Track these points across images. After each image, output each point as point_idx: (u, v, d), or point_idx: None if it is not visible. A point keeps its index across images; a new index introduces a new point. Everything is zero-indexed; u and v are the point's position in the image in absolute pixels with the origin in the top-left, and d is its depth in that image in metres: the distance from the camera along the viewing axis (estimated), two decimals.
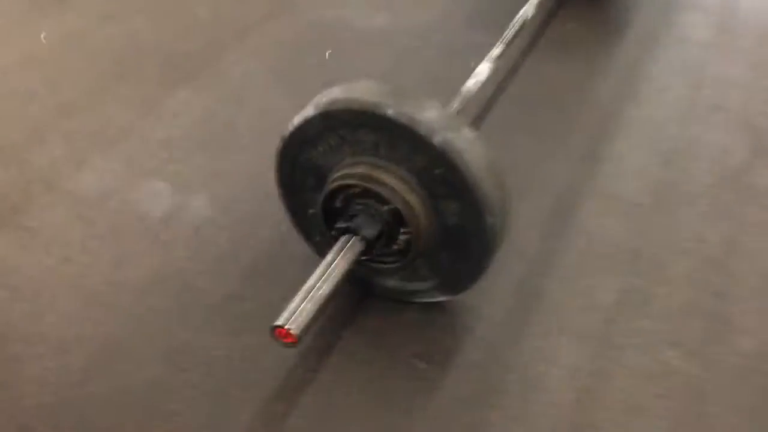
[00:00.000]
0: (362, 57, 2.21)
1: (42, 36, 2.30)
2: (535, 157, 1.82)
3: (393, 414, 1.32)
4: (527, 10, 1.97)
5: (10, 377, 1.39)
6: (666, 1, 2.47)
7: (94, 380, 1.38)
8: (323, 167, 1.37)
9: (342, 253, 1.28)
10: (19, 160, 1.86)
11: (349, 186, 1.32)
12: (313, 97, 1.31)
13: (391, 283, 1.48)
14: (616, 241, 1.62)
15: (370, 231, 1.30)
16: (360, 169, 1.31)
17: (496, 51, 1.82)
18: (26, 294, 1.54)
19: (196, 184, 1.77)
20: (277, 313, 1.19)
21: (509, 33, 1.90)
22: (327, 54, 2.21)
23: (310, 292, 1.21)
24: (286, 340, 1.16)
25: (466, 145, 1.24)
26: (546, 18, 2.33)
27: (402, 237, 1.34)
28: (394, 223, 1.32)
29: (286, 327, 1.15)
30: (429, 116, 1.24)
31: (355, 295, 1.51)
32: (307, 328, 1.18)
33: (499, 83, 2.04)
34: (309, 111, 1.31)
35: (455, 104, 1.59)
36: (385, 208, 1.31)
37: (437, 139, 1.22)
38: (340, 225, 1.32)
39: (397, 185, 1.28)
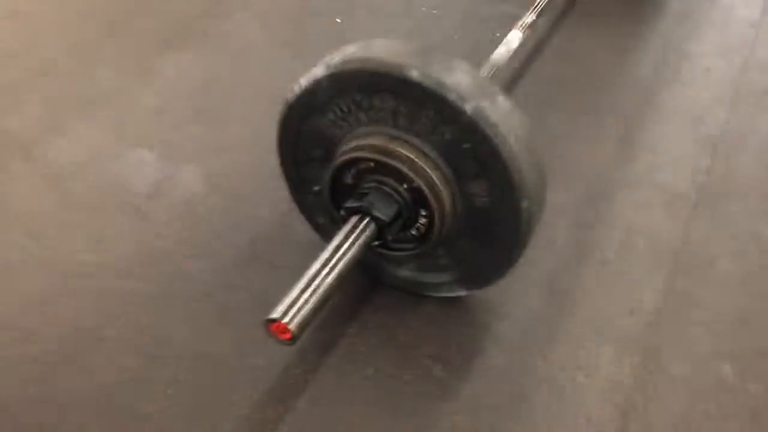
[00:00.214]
0: (376, 25, 2.02)
1: None
2: (566, 138, 1.64)
3: (402, 425, 1.15)
4: None
5: None
6: None
7: (59, 374, 1.21)
8: (332, 138, 1.18)
9: (351, 237, 1.10)
10: None
11: (361, 159, 1.13)
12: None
13: (405, 273, 1.29)
14: (659, 235, 1.44)
15: (385, 212, 1.12)
16: (375, 141, 1.12)
17: (527, 19, 1.63)
18: None
19: (188, 156, 1.59)
20: (273, 305, 1.01)
21: (541, 2, 1.71)
22: (337, 21, 2.02)
23: (312, 282, 1.03)
24: (281, 337, 0.98)
25: (502, 115, 1.05)
26: None
27: (421, 220, 1.15)
28: (413, 204, 1.13)
29: (282, 321, 0.96)
30: (459, 81, 1.05)
31: (362, 285, 1.33)
32: (306, 324, 0.99)
33: (528, 56, 1.85)
34: (318, 71, 1.12)
35: (484, 72, 1.40)
36: (404, 186, 1.12)
37: (468, 108, 1.03)
38: (351, 204, 1.13)
39: (419, 160, 1.10)
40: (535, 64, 1.85)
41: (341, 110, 1.15)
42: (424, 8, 2.09)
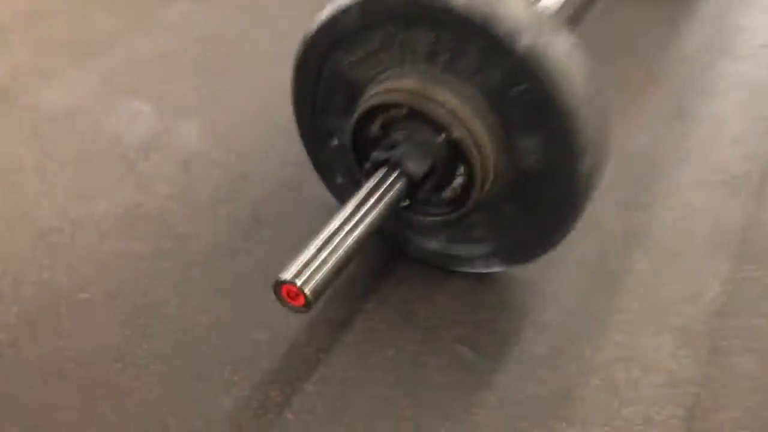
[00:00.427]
0: None
1: None
2: (613, 111, 1.45)
3: (426, 415, 0.98)
4: None
5: None
6: None
7: (30, 342, 1.05)
8: (358, 82, 1.02)
9: (377, 192, 0.93)
10: None
11: (392, 105, 0.96)
12: None
13: (433, 244, 1.12)
14: (720, 216, 1.27)
15: (418, 166, 0.95)
16: (409, 83, 0.95)
17: None
18: None
19: (189, 109, 1.42)
20: (279, 272, 0.84)
21: None
22: None
23: (330, 240, 0.86)
24: (293, 303, 0.81)
25: (563, 54, 0.89)
26: None
27: (458, 180, 0.98)
28: (450, 159, 0.96)
29: (296, 284, 0.79)
30: (513, 11, 0.89)
31: (382, 255, 1.15)
32: (322, 289, 0.83)
33: (568, 18, 1.67)
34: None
35: None
36: (440, 137, 0.95)
37: (523, 44, 0.86)
38: (377, 155, 0.96)
39: (459, 107, 0.93)
40: (573, 29, 1.68)
41: (370, 47, 0.98)
42: None
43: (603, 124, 0.93)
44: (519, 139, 0.95)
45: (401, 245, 1.16)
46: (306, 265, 0.82)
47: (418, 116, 0.96)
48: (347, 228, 0.87)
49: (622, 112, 1.48)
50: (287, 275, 0.80)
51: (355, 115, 0.99)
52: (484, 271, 1.12)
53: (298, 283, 0.80)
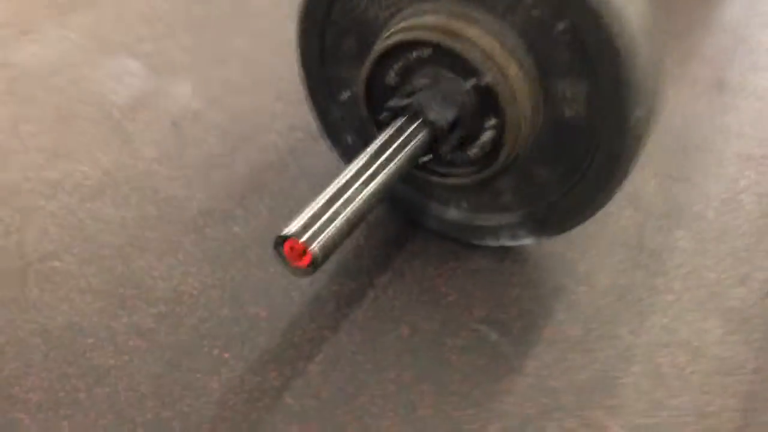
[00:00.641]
0: None
1: None
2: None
3: (446, 405, 0.85)
4: None
5: None
6: None
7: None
8: (373, 21, 0.89)
9: (396, 143, 0.80)
10: None
11: (412, 44, 0.83)
12: None
13: (454, 213, 1.00)
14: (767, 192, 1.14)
15: (442, 114, 0.82)
16: (434, 18, 0.82)
17: None
18: None
19: (183, 68, 1.29)
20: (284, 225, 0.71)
21: None
22: None
23: (341, 194, 0.73)
24: (297, 263, 0.68)
25: None
26: None
27: (486, 134, 0.85)
28: (479, 108, 0.83)
29: (301, 240, 0.66)
30: None
31: (396, 226, 1.03)
32: (331, 248, 0.70)
33: None
34: None
35: None
36: (468, 83, 0.82)
37: None
38: (396, 103, 0.83)
39: (492, 47, 0.80)
40: None
41: None
42: None
43: (659, 69, 0.80)
44: (559, 86, 0.82)
45: (417, 216, 1.03)
46: (314, 218, 0.69)
47: (443, 58, 0.83)
48: (362, 179, 0.74)
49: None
50: (291, 229, 0.68)
51: (370, 58, 0.86)
52: (510, 244, 0.99)
53: (304, 238, 0.67)
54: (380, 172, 0.77)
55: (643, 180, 1.14)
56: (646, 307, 0.97)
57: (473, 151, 0.88)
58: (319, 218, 0.70)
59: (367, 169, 0.76)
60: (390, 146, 0.79)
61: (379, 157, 0.78)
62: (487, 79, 0.81)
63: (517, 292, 0.98)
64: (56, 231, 1.01)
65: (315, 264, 0.68)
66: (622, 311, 0.96)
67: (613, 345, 0.92)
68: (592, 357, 0.91)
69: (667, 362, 0.91)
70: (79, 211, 1.03)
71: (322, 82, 0.99)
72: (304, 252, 0.67)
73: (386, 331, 0.91)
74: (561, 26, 0.78)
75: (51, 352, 0.87)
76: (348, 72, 0.95)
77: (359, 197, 0.73)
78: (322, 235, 0.69)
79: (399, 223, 1.05)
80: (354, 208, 0.72)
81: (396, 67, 0.87)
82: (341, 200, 0.72)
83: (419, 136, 0.82)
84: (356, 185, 0.74)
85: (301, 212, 0.70)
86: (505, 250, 1.01)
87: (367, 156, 0.77)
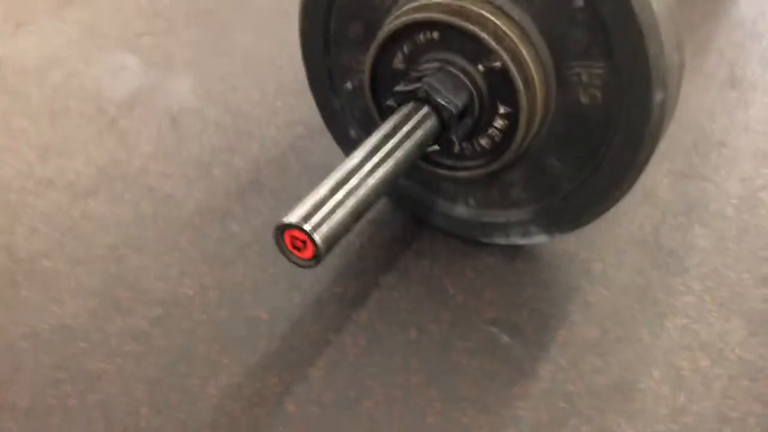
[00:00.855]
0: None
1: None
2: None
3: (456, 411, 0.81)
4: None
5: None
6: None
7: None
8: (378, 5, 0.85)
9: (403, 129, 0.76)
10: None
11: (421, 25, 0.79)
12: None
13: (462, 210, 0.95)
14: None
15: (452, 99, 0.77)
16: None
17: None
18: None
19: (182, 63, 1.26)
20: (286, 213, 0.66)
21: None
22: None
23: (346, 181, 0.69)
24: (300, 254, 0.63)
25: None
26: None
27: (498, 122, 0.81)
28: (490, 93, 0.79)
29: (304, 229, 0.61)
30: None
31: (402, 224, 0.98)
32: (335, 238, 0.65)
33: None
34: None
35: None
36: (478, 67, 0.78)
37: None
38: (403, 87, 0.79)
39: (503, 28, 0.76)
40: None
41: None
42: None
43: (679, 50, 0.76)
44: (575, 70, 0.78)
45: (423, 213, 0.98)
46: (317, 207, 0.65)
47: (452, 40, 0.79)
48: (367, 166, 0.70)
49: None
50: (293, 218, 0.63)
51: (376, 42, 0.82)
52: (521, 242, 0.95)
53: (307, 227, 0.62)
54: (386, 160, 0.72)
55: (657, 177, 1.09)
56: (666, 308, 0.93)
57: (483, 140, 0.84)
58: (323, 206, 0.65)
59: (373, 157, 0.72)
60: (397, 133, 0.75)
61: (386, 143, 0.74)
62: (499, 61, 0.77)
63: (529, 292, 0.93)
64: (47, 230, 0.96)
65: (318, 256, 0.63)
66: (640, 312, 0.92)
67: (631, 347, 0.88)
68: (610, 360, 0.86)
69: (688, 365, 0.86)
70: (71, 210, 0.99)
71: (325, 72, 0.95)
72: (307, 242, 0.63)
73: (392, 334, 0.87)
74: (578, 3, 0.74)
75: (40, 356, 0.83)
76: (353, 59, 0.91)
77: (365, 185, 0.69)
78: (325, 225, 0.64)
79: (404, 221, 1.01)
80: (359, 198, 0.68)
81: (403, 50, 0.83)
82: (345, 189, 0.68)
83: (428, 123, 0.78)
84: (362, 173, 0.69)
85: (304, 200, 0.66)
86: (516, 249, 0.97)
87: (373, 143, 0.73)
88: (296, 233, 0.63)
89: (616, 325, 0.90)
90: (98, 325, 0.86)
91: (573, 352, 0.87)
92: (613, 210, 0.88)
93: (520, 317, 0.90)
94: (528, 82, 0.77)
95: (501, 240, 0.95)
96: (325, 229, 0.63)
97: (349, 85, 0.93)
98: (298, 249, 0.64)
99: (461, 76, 0.79)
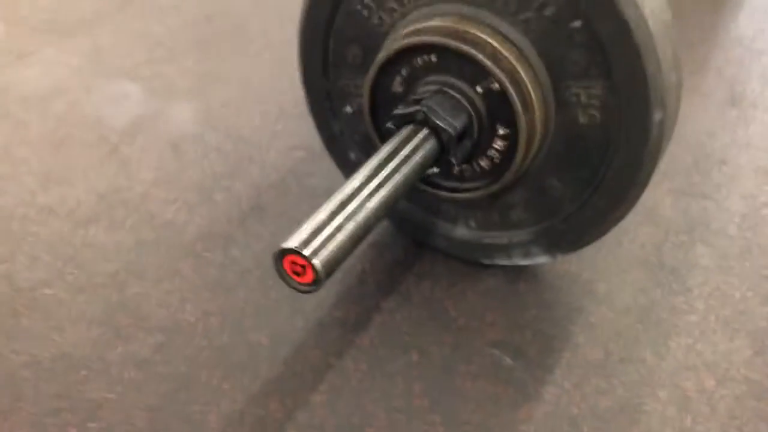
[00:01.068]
0: None
1: None
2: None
3: None
4: None
5: None
6: None
7: None
8: (376, 28, 0.85)
9: (403, 152, 0.76)
10: None
11: (419, 48, 0.79)
12: None
13: (463, 231, 0.95)
14: None
15: (450, 121, 0.77)
16: (440, 21, 0.79)
17: None
18: None
19: (183, 90, 1.27)
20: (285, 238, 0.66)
21: None
22: None
23: (346, 205, 0.69)
24: (299, 279, 0.63)
25: None
26: None
27: (497, 143, 0.81)
28: (489, 115, 0.79)
29: (304, 254, 0.61)
30: None
31: (402, 247, 0.98)
32: (335, 263, 0.65)
33: None
34: None
35: None
36: (477, 89, 0.78)
37: None
38: (402, 110, 0.79)
39: (500, 48, 0.76)
40: None
41: None
42: None
43: (678, 68, 0.76)
44: (573, 89, 0.78)
45: (423, 235, 0.98)
46: (316, 231, 0.64)
47: (450, 63, 0.79)
48: (367, 190, 0.70)
49: None
50: (293, 243, 0.63)
51: (375, 65, 0.82)
52: (523, 263, 0.94)
53: (307, 252, 0.62)
54: (386, 184, 0.72)
55: (659, 196, 1.09)
56: (669, 328, 0.92)
57: (483, 162, 0.84)
58: (322, 231, 0.65)
59: (372, 180, 0.72)
60: (396, 156, 0.75)
61: (385, 167, 0.73)
62: (497, 83, 0.77)
63: (532, 313, 0.93)
64: (48, 258, 0.96)
65: (318, 281, 0.63)
66: (644, 333, 0.91)
67: (635, 369, 0.87)
68: (614, 382, 0.86)
69: (694, 386, 0.85)
70: (73, 238, 0.99)
71: (324, 96, 0.95)
72: (306, 268, 0.63)
73: (394, 358, 0.86)
74: (575, 24, 0.74)
75: (41, 384, 0.82)
76: (352, 83, 0.92)
77: (364, 209, 0.69)
78: (325, 249, 0.64)
79: (404, 243, 1.00)
80: (358, 222, 0.67)
81: (402, 74, 0.83)
82: (345, 213, 0.67)
83: (427, 146, 0.77)
84: (361, 197, 0.69)
85: (303, 225, 0.66)
86: (518, 270, 0.97)
87: (372, 166, 0.73)
88: (296, 258, 0.62)
89: (619, 346, 0.90)
90: (99, 353, 0.85)
91: (577, 374, 0.86)
92: (614, 229, 0.88)
93: (523, 339, 0.90)
94: (526, 103, 0.77)
95: (502, 261, 0.95)
96: (324, 253, 0.63)
97: (348, 108, 0.93)
98: (298, 274, 0.63)
99: (460, 98, 0.79)
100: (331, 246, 0.64)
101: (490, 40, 0.76)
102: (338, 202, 0.68)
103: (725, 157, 1.20)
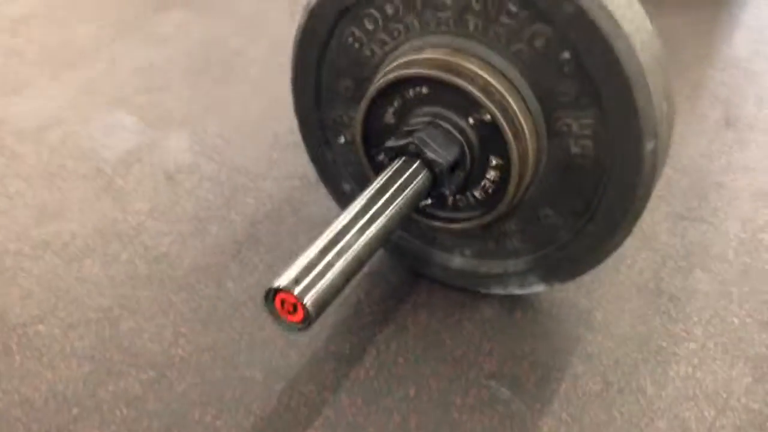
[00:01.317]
0: None
1: None
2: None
3: None
4: None
5: None
6: None
7: None
8: (369, 60, 0.86)
9: (394, 185, 0.75)
10: None
11: (410, 80, 0.80)
12: None
13: (458, 261, 0.95)
14: None
15: (442, 153, 0.77)
16: (431, 54, 0.79)
17: None
18: None
19: (179, 120, 1.26)
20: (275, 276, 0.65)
21: None
22: None
23: (337, 241, 0.68)
24: (289, 318, 0.63)
25: (625, 9, 0.71)
26: None
27: (490, 174, 0.81)
28: (481, 146, 0.79)
29: (294, 293, 0.61)
30: None
31: (398, 276, 0.97)
32: (326, 301, 0.64)
33: None
34: None
35: None
36: (469, 120, 0.78)
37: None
38: (394, 143, 0.79)
39: (491, 79, 0.76)
40: None
41: (385, 13, 0.82)
42: None
43: (669, 98, 0.75)
44: (564, 120, 0.78)
45: (419, 265, 0.98)
46: (307, 269, 0.64)
47: (442, 94, 0.79)
48: (358, 225, 0.69)
49: None
50: (283, 281, 0.62)
51: (367, 97, 0.82)
52: (520, 292, 0.93)
53: (296, 291, 0.62)
54: (378, 218, 0.72)
55: (655, 220, 1.09)
56: (669, 356, 0.91)
57: (477, 192, 0.83)
58: (313, 269, 0.64)
59: (364, 215, 0.71)
60: (388, 189, 0.75)
61: (377, 201, 0.73)
62: (489, 114, 0.76)
63: (530, 343, 0.92)
64: (41, 294, 0.96)
65: (308, 319, 0.62)
66: (643, 361, 0.90)
67: (635, 399, 0.86)
68: (614, 413, 0.84)
69: (694, 416, 0.84)
70: (66, 273, 0.99)
71: (318, 125, 0.95)
72: (297, 306, 0.62)
73: (390, 391, 0.85)
74: (565, 55, 0.74)
75: (33, 425, 0.81)
76: (345, 114, 0.91)
77: (356, 245, 0.68)
78: (316, 288, 0.63)
79: (400, 273, 1.00)
80: (350, 258, 0.67)
81: (394, 105, 0.83)
82: (336, 249, 0.67)
83: (419, 178, 0.77)
84: (352, 232, 0.69)
85: (293, 263, 0.65)
86: (515, 299, 0.96)
87: (364, 200, 0.73)
88: (287, 296, 0.62)
89: (618, 375, 0.88)
90: (91, 390, 0.84)
91: (575, 406, 0.85)
92: (612, 255, 0.87)
93: (521, 370, 0.89)
94: (518, 134, 0.77)
95: (499, 290, 0.94)
96: (315, 292, 0.62)
97: (342, 139, 0.93)
98: (289, 312, 0.63)
99: (452, 129, 0.79)
100: (322, 284, 0.63)
101: (480, 72, 0.76)
102: (329, 239, 0.67)
103: (722, 180, 1.19)
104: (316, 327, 0.84)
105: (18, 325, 0.91)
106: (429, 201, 0.81)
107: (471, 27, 0.77)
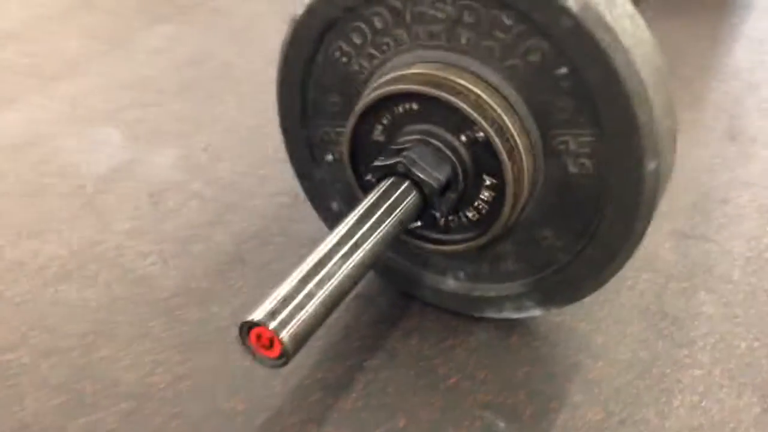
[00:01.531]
0: None
1: None
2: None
3: None
4: None
5: None
6: None
7: None
8: (356, 75, 0.82)
9: (382, 208, 0.71)
10: None
11: (400, 97, 0.75)
12: None
13: (452, 283, 0.90)
14: None
15: (433, 173, 0.73)
16: (422, 68, 0.75)
17: None
18: None
19: (165, 136, 1.23)
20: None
21: None
22: None
23: (317, 271, 0.64)
24: (265, 353, 0.58)
25: (624, 22, 0.68)
26: None
27: (484, 194, 0.76)
28: (474, 165, 0.74)
29: (269, 328, 0.56)
30: None
31: (388, 299, 0.93)
32: (305, 336, 0.60)
33: None
34: None
35: None
36: (461, 138, 0.74)
37: (574, 6, 0.65)
38: (382, 162, 0.75)
39: (485, 98, 0.72)
40: None
41: (373, 26, 0.78)
42: None
43: (671, 115, 0.71)
44: (561, 138, 0.74)
45: (411, 287, 0.93)
46: (285, 301, 0.59)
47: (432, 111, 0.75)
48: (341, 253, 0.65)
49: None
50: (258, 315, 0.58)
51: (354, 114, 0.78)
52: (516, 316, 0.89)
53: (272, 325, 0.57)
54: (363, 244, 0.67)
55: (657, 239, 1.05)
56: (672, 384, 0.87)
57: (470, 214, 0.79)
58: (291, 301, 0.60)
59: (348, 241, 0.67)
60: (374, 213, 0.70)
61: (362, 226, 0.69)
62: (482, 132, 0.72)
63: (526, 371, 0.88)
64: (14, 320, 0.91)
65: (285, 355, 0.58)
66: (646, 390, 0.86)
67: (637, 430, 0.81)
68: None
69: None
70: (41, 297, 0.94)
71: (304, 142, 0.91)
72: (273, 341, 0.58)
73: (379, 423, 0.81)
74: (562, 71, 0.70)
75: None
76: (332, 131, 0.88)
77: (338, 274, 0.64)
78: (294, 321, 0.59)
79: (391, 296, 0.96)
80: (332, 287, 0.63)
81: (383, 122, 0.79)
82: (317, 278, 0.63)
83: (408, 199, 0.73)
84: (335, 260, 0.64)
85: (270, 294, 0.61)
86: (510, 323, 0.92)
87: (348, 226, 0.68)
88: (262, 331, 0.57)
89: (620, 405, 0.84)
90: (61, 423, 0.79)
91: None
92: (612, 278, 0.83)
93: (517, 399, 0.84)
94: (513, 152, 0.73)
95: (494, 314, 0.90)
96: (292, 326, 0.58)
97: (329, 156, 0.89)
98: (265, 347, 0.58)
99: (443, 148, 0.75)
100: (302, 317, 0.59)
101: (473, 88, 0.72)
102: (310, 267, 0.63)
103: (726, 196, 1.15)
104: (302, 353, 0.80)
105: None
106: (418, 223, 0.76)
107: (463, 41, 0.73)
